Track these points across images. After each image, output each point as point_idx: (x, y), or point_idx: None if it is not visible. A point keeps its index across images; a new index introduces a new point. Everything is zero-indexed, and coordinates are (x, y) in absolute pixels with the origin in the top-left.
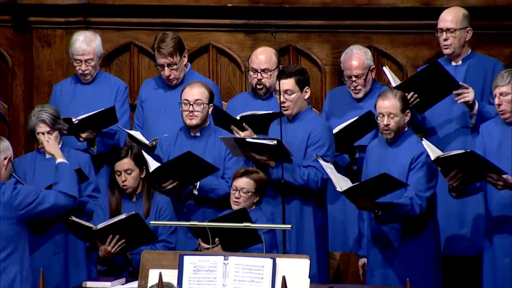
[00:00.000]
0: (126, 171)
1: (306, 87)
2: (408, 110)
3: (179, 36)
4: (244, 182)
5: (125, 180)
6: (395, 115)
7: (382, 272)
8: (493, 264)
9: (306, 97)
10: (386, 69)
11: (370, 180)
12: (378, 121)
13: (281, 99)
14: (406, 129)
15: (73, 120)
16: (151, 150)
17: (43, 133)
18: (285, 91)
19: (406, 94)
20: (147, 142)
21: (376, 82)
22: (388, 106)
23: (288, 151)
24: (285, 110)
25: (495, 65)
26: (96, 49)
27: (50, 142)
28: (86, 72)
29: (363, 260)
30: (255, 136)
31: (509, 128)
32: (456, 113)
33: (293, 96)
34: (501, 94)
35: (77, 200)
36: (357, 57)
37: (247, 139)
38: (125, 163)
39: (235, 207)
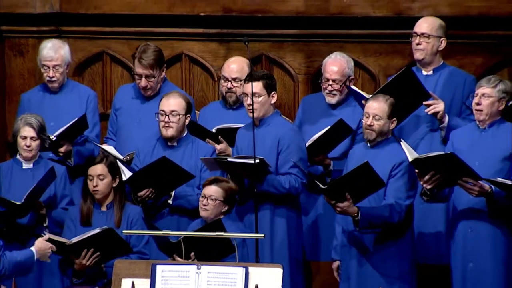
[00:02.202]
0: (99, 176)
1: (273, 92)
2: (394, 118)
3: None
4: (212, 190)
5: (97, 186)
6: (381, 118)
7: (356, 279)
8: (459, 270)
9: (273, 101)
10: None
11: (352, 171)
12: (363, 121)
13: (248, 102)
14: (389, 136)
15: (51, 137)
16: (127, 163)
17: (25, 137)
18: (253, 94)
19: None
20: (121, 157)
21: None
22: (375, 107)
23: (269, 166)
24: (251, 112)
25: (466, 78)
26: (64, 56)
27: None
28: (54, 79)
29: (336, 263)
30: (230, 149)
31: (479, 134)
32: (424, 116)
33: (260, 99)
34: (483, 94)
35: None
36: (338, 63)
37: (228, 159)
38: (98, 168)
39: (202, 213)
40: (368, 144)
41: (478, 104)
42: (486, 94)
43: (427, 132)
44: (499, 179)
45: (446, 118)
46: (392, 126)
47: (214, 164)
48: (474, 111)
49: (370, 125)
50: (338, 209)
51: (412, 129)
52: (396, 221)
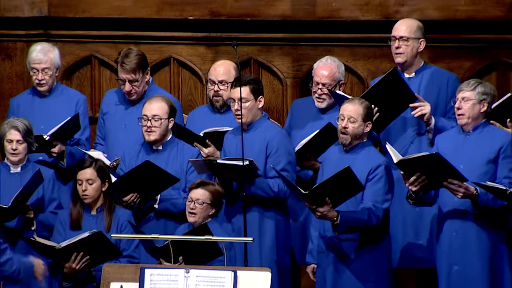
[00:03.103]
0: (88, 181)
1: (260, 96)
2: (369, 121)
3: (141, 49)
4: (199, 194)
5: (86, 190)
6: (355, 120)
7: (333, 284)
8: (445, 272)
9: (260, 106)
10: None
11: (334, 177)
12: (338, 123)
13: (236, 107)
14: (364, 140)
15: (44, 136)
16: (113, 169)
17: (12, 141)
18: (239, 99)
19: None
20: (108, 162)
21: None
22: (350, 110)
23: (258, 169)
24: (239, 118)
25: (449, 77)
26: (53, 59)
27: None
28: (43, 82)
29: (312, 266)
30: (218, 152)
31: (464, 137)
32: (411, 119)
33: (247, 104)
34: (463, 98)
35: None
36: (329, 67)
37: (218, 161)
38: (88, 173)
39: (190, 218)
40: (344, 148)
41: (459, 108)
42: (466, 98)
43: (414, 136)
44: (489, 183)
45: (433, 120)
46: (367, 129)
47: (203, 166)
48: (456, 116)
49: (345, 127)
50: (318, 213)
51: (400, 133)
52: (374, 224)
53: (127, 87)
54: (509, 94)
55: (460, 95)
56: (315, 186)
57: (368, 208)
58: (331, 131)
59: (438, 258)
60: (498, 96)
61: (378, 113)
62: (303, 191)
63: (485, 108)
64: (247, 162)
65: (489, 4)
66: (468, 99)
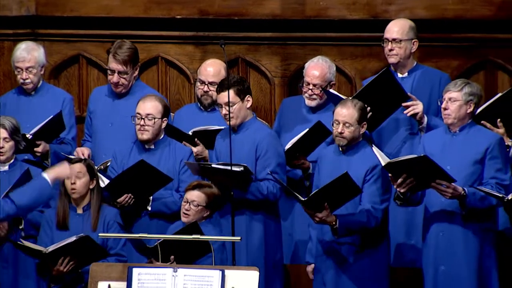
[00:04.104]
0: (77, 174)
1: (247, 96)
2: (364, 122)
3: None
4: (195, 195)
5: (74, 183)
6: (351, 125)
7: (333, 283)
8: (431, 273)
9: (248, 106)
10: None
11: (332, 182)
12: (333, 128)
13: (224, 112)
14: (360, 139)
15: (27, 135)
16: (103, 171)
17: None
18: (226, 103)
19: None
20: (95, 166)
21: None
22: (345, 114)
23: (251, 172)
24: (228, 121)
25: (441, 77)
26: (38, 58)
27: (63, 166)
28: (27, 81)
29: (311, 266)
30: (207, 151)
31: (451, 138)
32: (403, 119)
33: (234, 107)
34: (450, 99)
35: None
36: (320, 68)
37: (213, 165)
38: (77, 166)
39: (184, 219)
40: (340, 149)
41: (445, 109)
42: (453, 98)
43: (407, 136)
44: (483, 188)
45: (425, 119)
46: (363, 130)
47: (198, 169)
48: (443, 116)
49: (340, 133)
50: (317, 219)
51: (392, 133)
52: (374, 226)
53: (115, 78)
54: (499, 95)
55: (447, 96)
56: (313, 192)
57: (367, 210)
58: (321, 130)
59: (424, 258)
60: (486, 95)
61: (370, 112)
62: (301, 198)
63: (471, 108)
64: (241, 168)
65: (477, 3)
66: (455, 100)
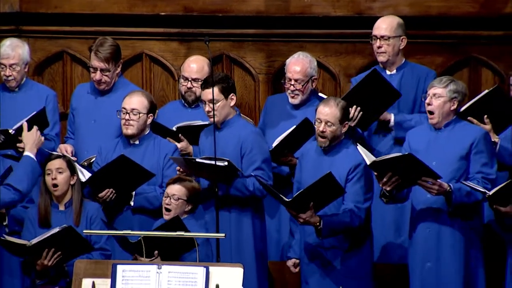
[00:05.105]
0: (57, 169)
1: (231, 94)
2: (346, 122)
3: None
4: (176, 189)
5: (55, 179)
6: (333, 124)
7: (317, 281)
8: (417, 269)
9: (232, 104)
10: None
11: (316, 183)
12: (315, 126)
13: (207, 109)
14: (342, 138)
15: (10, 131)
16: (88, 167)
17: None
18: (210, 100)
19: (350, 108)
20: (77, 165)
21: (317, 94)
22: (327, 113)
23: (237, 168)
24: (211, 117)
25: (428, 73)
26: (22, 55)
27: (31, 133)
28: (11, 78)
29: (292, 261)
30: (191, 147)
31: (436, 134)
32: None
33: (218, 104)
34: (434, 94)
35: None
36: (301, 63)
37: (197, 160)
38: (57, 162)
39: (166, 215)
40: (322, 149)
41: (429, 104)
42: (437, 94)
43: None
44: (470, 183)
45: (392, 117)
46: (344, 129)
47: (183, 164)
48: (426, 112)
49: (322, 131)
50: (301, 220)
51: (381, 137)
52: (357, 225)
53: (98, 75)
54: (486, 91)
55: (431, 91)
56: (297, 193)
57: (350, 209)
58: (308, 126)
59: (411, 255)
60: (470, 91)
61: (361, 112)
62: (285, 199)
63: (455, 106)
64: (226, 163)
65: (461, 0)
66: (439, 96)
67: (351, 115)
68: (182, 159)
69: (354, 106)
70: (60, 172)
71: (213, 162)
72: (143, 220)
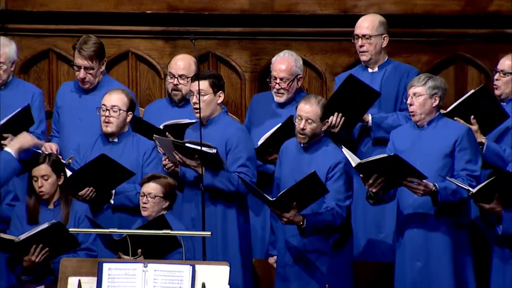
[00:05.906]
0: (43, 177)
1: (220, 92)
2: (327, 120)
3: None
4: (151, 187)
5: (42, 186)
6: (313, 122)
7: (297, 278)
8: (405, 268)
9: (219, 101)
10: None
11: (300, 182)
12: (296, 123)
13: (194, 100)
14: (322, 135)
15: None
16: (68, 165)
17: None
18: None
19: (332, 116)
20: (63, 161)
21: (303, 92)
22: (308, 111)
23: (223, 161)
24: (197, 112)
25: (410, 71)
26: (8, 53)
27: (23, 134)
28: None
29: (275, 258)
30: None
31: (419, 132)
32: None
33: (205, 97)
34: (414, 94)
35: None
36: (286, 61)
37: (187, 144)
38: (42, 169)
39: (144, 213)
40: (302, 146)
41: (411, 104)
42: (417, 93)
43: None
44: (453, 180)
45: (369, 118)
46: (324, 127)
47: (168, 146)
48: (409, 113)
49: (302, 129)
50: (285, 219)
51: (368, 139)
52: (339, 224)
53: (82, 74)
54: (472, 91)
55: (411, 91)
56: (281, 193)
57: (332, 208)
58: (293, 125)
59: (398, 255)
60: (456, 90)
61: (343, 118)
62: (269, 198)
63: (437, 102)
64: (214, 150)
65: None
66: (420, 95)
67: (332, 123)
68: (170, 141)
69: (336, 113)
70: (46, 179)
71: (203, 149)
72: (123, 218)
